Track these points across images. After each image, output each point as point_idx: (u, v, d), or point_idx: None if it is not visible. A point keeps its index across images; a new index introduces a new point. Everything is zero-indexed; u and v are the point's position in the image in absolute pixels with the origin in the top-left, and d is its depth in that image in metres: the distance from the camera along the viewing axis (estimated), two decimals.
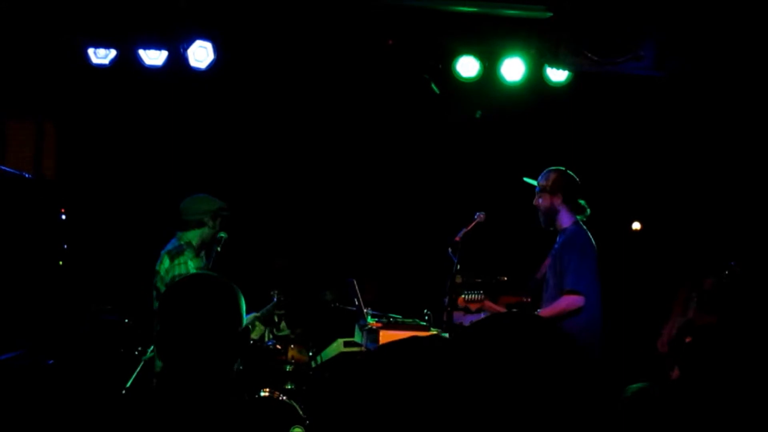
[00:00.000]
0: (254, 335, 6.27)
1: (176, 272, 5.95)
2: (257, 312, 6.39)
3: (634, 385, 2.10)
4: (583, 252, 5.87)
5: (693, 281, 5.60)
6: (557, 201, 5.99)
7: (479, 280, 6.50)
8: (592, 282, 5.87)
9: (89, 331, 7.07)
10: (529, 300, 6.13)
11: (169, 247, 6.08)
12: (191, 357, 2.54)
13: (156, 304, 5.97)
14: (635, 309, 7.36)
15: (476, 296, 6.02)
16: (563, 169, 6.08)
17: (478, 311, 6.55)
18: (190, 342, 2.55)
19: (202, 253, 6.14)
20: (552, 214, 6.01)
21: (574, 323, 5.74)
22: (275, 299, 6.39)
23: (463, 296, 6.05)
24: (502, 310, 6.13)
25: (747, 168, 7.55)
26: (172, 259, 6.00)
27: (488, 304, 6.10)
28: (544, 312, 5.85)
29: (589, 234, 6.02)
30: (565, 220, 6.02)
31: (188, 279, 2.77)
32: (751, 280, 5.46)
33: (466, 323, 7.21)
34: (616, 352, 6.45)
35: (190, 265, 6.00)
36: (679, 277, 5.86)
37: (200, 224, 6.08)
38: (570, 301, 5.74)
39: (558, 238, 6.05)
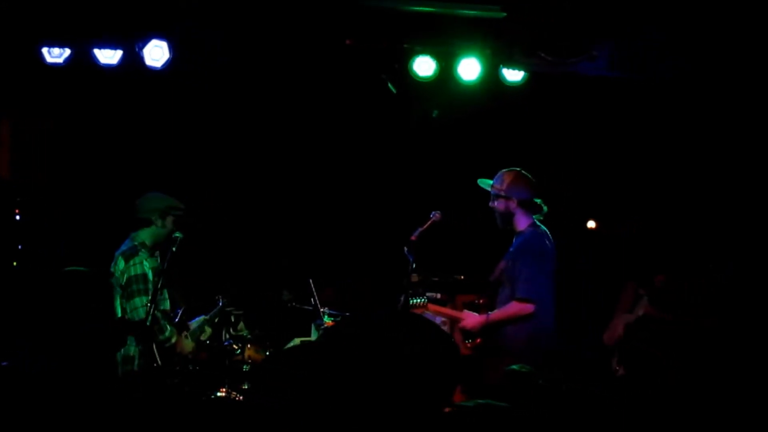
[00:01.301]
0: (204, 338, 6.26)
1: (131, 273, 5.92)
2: (206, 315, 6.38)
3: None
4: (537, 258, 5.93)
5: (640, 279, 5.66)
6: (513, 204, 6.02)
7: (436, 279, 6.56)
8: (546, 288, 5.95)
9: (44, 332, 7.00)
10: (481, 301, 6.19)
11: (123, 248, 6.06)
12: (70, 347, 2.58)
13: (116, 305, 5.93)
14: (592, 306, 7.43)
15: (420, 301, 6.07)
16: (518, 169, 6.11)
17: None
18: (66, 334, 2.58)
19: (157, 253, 6.11)
20: (508, 216, 6.05)
21: (525, 329, 5.85)
22: (221, 303, 6.38)
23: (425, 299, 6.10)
24: (448, 311, 6.19)
25: (701, 165, 7.64)
26: (126, 260, 5.97)
27: (432, 307, 6.15)
28: (494, 315, 5.94)
29: (547, 235, 6.06)
30: (521, 222, 6.06)
31: (59, 275, 2.81)
32: (736, 281, 5.55)
33: None
34: (575, 349, 6.54)
35: (145, 265, 5.97)
36: (624, 274, 5.94)
37: (149, 223, 6.05)
38: (520, 308, 5.84)
39: (514, 240, 6.10)
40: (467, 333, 6.01)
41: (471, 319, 6.01)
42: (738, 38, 6.03)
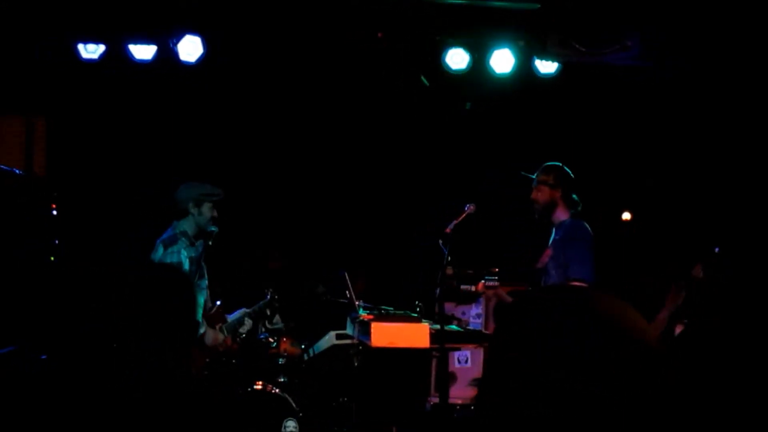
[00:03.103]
0: (243, 330, 6.29)
1: (168, 261, 5.97)
2: (248, 308, 6.40)
3: None
4: (587, 242, 6.00)
5: (682, 271, 5.65)
6: (557, 195, 6.10)
7: (470, 272, 6.57)
8: (594, 271, 5.99)
9: (82, 327, 7.06)
10: (526, 289, 6.24)
11: (164, 236, 6.11)
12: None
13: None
14: (628, 298, 7.40)
15: (493, 282, 6.12)
16: (560, 164, 6.19)
17: (476, 299, 6.63)
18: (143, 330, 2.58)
19: (199, 243, 6.13)
20: (551, 207, 6.13)
21: None
22: (268, 296, 6.38)
23: (482, 281, 6.13)
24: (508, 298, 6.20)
25: (733, 156, 7.60)
26: (165, 248, 6.02)
27: (500, 291, 6.19)
28: None
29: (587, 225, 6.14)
30: (562, 213, 6.14)
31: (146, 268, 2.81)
32: (734, 269, 5.52)
33: (458, 315, 7.27)
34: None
35: (183, 254, 6.01)
36: (668, 266, 5.92)
37: (185, 212, 6.09)
38: None
39: (557, 230, 6.14)
40: None
41: None
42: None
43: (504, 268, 6.95)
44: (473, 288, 6.31)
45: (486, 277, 6.17)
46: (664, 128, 7.95)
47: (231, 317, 6.29)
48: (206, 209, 6.11)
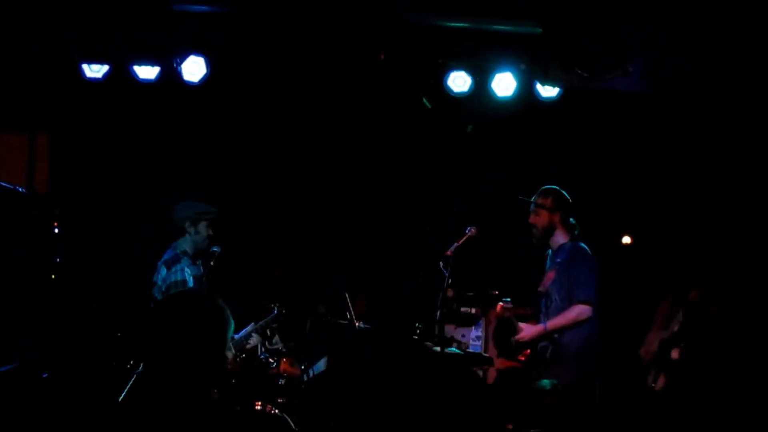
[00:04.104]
0: (249, 347, 6.30)
1: (172, 279, 6.00)
2: (256, 323, 6.41)
3: None
4: (590, 264, 6.07)
5: (676, 294, 5.68)
6: (556, 219, 6.16)
7: (470, 294, 6.60)
8: (596, 294, 6.03)
9: (82, 345, 7.08)
10: (529, 311, 6.29)
11: (166, 257, 6.15)
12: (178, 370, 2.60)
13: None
14: (626, 320, 7.43)
15: (509, 304, 6.18)
16: (557, 188, 6.23)
17: (476, 322, 6.66)
18: (178, 356, 2.60)
19: (199, 262, 6.17)
20: (550, 231, 6.18)
21: (580, 333, 5.89)
22: (275, 311, 6.40)
23: (501, 302, 6.20)
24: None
25: (735, 181, 7.61)
26: (168, 268, 6.06)
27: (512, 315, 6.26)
28: (553, 322, 5.98)
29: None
30: (561, 236, 6.19)
31: (183, 294, 2.83)
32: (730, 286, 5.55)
33: (458, 337, 7.29)
34: (608, 361, 6.56)
35: (186, 272, 6.05)
36: (661, 288, 5.95)
37: (183, 232, 6.14)
38: (581, 311, 5.90)
39: (556, 254, 6.17)
40: (524, 344, 6.10)
41: (528, 330, 6.08)
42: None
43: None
44: (473, 310, 6.35)
45: (504, 299, 6.24)
46: (664, 153, 7.97)
47: (238, 336, 6.31)
48: (202, 228, 6.18)
